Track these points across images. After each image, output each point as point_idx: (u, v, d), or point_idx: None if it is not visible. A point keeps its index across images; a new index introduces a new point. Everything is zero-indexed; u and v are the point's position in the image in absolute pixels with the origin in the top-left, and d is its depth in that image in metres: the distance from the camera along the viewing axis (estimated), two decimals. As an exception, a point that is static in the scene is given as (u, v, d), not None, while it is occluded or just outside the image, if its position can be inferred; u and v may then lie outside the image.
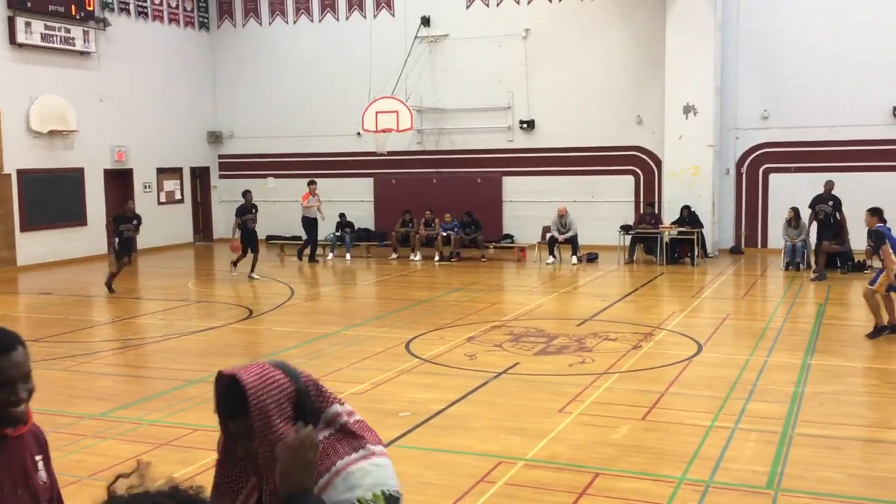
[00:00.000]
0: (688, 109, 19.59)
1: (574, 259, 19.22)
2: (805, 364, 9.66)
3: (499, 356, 10.31)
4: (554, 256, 19.54)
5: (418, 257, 20.35)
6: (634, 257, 19.44)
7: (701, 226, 19.12)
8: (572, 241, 19.47)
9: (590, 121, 21.44)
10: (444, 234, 20.37)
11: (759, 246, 20.51)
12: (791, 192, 19.43)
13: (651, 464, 6.67)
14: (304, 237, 21.00)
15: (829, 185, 17.00)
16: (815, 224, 16.96)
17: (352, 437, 2.04)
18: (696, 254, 18.80)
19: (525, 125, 22.15)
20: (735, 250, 20.50)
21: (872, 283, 10.84)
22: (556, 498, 5.99)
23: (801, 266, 17.53)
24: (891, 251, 10.49)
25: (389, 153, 22.00)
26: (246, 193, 18.01)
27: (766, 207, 20.37)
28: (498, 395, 8.71)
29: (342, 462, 1.96)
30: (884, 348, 10.28)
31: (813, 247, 17.51)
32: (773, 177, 20.27)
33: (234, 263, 17.61)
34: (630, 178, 21.45)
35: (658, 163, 20.85)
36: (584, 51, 21.35)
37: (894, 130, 19.00)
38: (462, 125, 22.75)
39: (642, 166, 21.34)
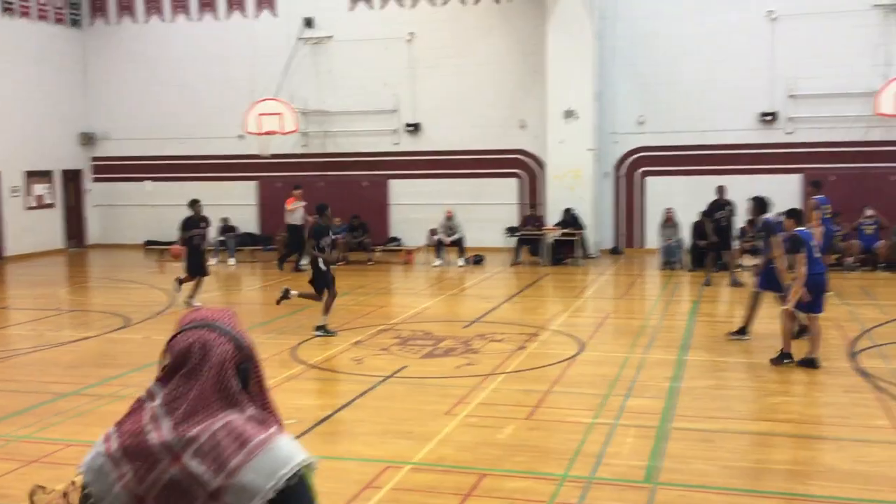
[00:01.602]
0: (569, 114, 20.07)
1: (461, 261, 19.39)
2: (680, 360, 10.05)
3: (386, 360, 10.28)
4: (441, 259, 19.67)
5: (305, 261, 20.04)
6: (520, 259, 19.77)
7: (583, 227, 19.64)
8: (459, 244, 19.64)
9: (475, 124, 21.68)
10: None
11: (637, 246, 21.24)
12: (666, 194, 20.21)
13: (535, 462, 6.78)
14: (287, 244, 19.72)
15: (723, 190, 16.90)
16: (694, 228, 17.45)
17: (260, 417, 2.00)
18: (578, 255, 19.30)
19: (411, 128, 22.21)
20: (615, 251, 21.15)
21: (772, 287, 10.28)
22: (442, 500, 6.01)
23: (677, 265, 18.23)
24: (802, 259, 9.40)
25: (273, 156, 21.65)
26: (194, 204, 14.69)
27: (644, 209, 21.11)
28: (385, 399, 8.69)
29: (261, 436, 1.91)
30: (753, 344, 10.79)
31: (689, 247, 18.25)
32: (649, 179, 21.02)
33: (180, 281, 14.45)
34: (515, 181, 21.82)
35: (541, 166, 21.28)
36: (468, 55, 21.58)
37: (762, 135, 20.02)
38: (348, 128, 22.61)
39: (526, 169, 21.74)
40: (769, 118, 19.85)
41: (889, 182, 19.10)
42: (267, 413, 1.99)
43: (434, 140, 22.12)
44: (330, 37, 22.44)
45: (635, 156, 21.08)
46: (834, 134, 19.43)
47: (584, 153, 20.15)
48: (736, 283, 15.43)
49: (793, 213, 10.02)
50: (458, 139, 21.83)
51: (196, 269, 14.30)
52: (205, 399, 1.91)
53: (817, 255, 9.68)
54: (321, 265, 11.95)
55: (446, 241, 19.76)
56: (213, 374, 1.92)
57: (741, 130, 20.07)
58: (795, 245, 9.46)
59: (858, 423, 7.66)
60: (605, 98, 20.79)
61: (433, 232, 20.41)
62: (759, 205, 11.62)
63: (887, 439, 7.18)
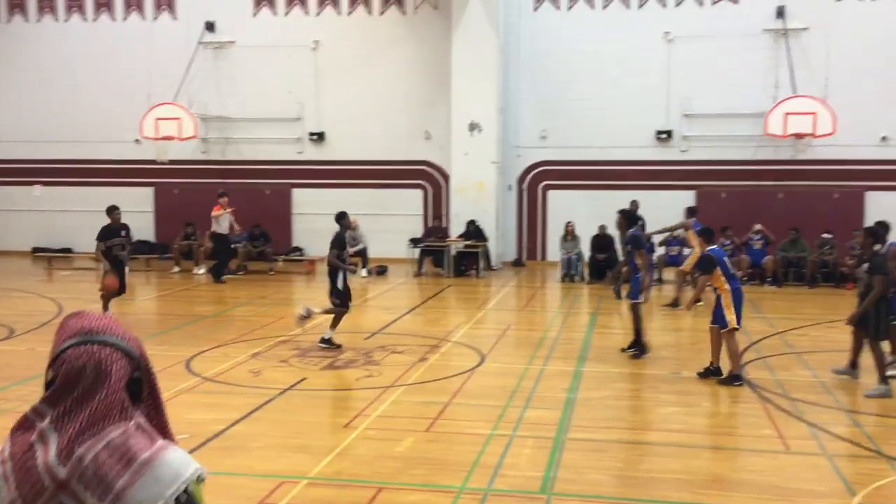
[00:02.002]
0: (473, 127, 20.26)
1: (363, 272, 19.26)
2: (578, 371, 10.22)
3: (285, 372, 10.10)
4: (343, 269, 19.46)
5: (202, 270, 19.58)
6: (423, 270, 19.80)
7: (486, 239, 19.82)
8: (362, 254, 19.51)
9: (380, 135, 21.64)
10: (232, 246, 19.74)
11: (539, 259, 21.56)
12: (567, 207, 20.61)
13: (433, 475, 6.76)
14: (213, 254, 18.91)
15: (635, 205, 16.61)
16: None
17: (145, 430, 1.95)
18: (481, 266, 19.45)
19: (315, 137, 22.00)
20: (517, 263, 21.42)
21: (718, 320, 9.75)
22: (337, 515, 5.91)
23: (576, 278, 18.59)
24: (719, 277, 9.60)
25: (171, 162, 21.07)
26: (112, 210, 13.28)
27: (546, 222, 21.46)
28: (283, 412, 8.52)
29: (146, 454, 1.84)
30: (647, 355, 11.05)
31: (588, 260, 18.66)
32: (551, 193, 21.39)
33: (106, 306, 12.92)
34: (419, 192, 21.85)
35: (446, 178, 21.39)
36: (374, 65, 21.54)
37: (658, 152, 20.65)
38: (250, 135, 22.23)
39: (431, 181, 21.81)
40: (665, 136, 20.50)
41: (776, 200, 19.98)
42: (158, 424, 1.94)
43: (338, 149, 21.97)
44: (232, 42, 22.04)
45: (538, 169, 21.43)
46: (726, 152, 20.22)
47: (487, 166, 20.36)
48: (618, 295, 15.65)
49: (703, 233, 10.29)
50: (363, 149, 21.74)
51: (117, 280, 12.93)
52: (95, 418, 1.83)
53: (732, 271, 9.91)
54: (342, 277, 11.67)
55: (350, 252, 19.56)
56: (106, 394, 1.85)
57: (639, 147, 20.65)
58: (709, 264, 9.61)
59: (746, 432, 7.94)
60: (509, 112, 21.08)
61: (336, 242, 20.17)
62: (626, 218, 11.74)
63: (773, 448, 7.46)
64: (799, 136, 18.73)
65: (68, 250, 21.67)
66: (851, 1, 19.49)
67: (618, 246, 16.56)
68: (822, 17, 19.51)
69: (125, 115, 21.52)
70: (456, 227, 20.32)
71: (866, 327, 9.36)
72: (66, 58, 22.65)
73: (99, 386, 1.84)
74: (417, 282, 18.94)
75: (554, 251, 20.44)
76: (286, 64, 21.81)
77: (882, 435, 7.87)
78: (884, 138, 19.49)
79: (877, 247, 9.74)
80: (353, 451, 7.28)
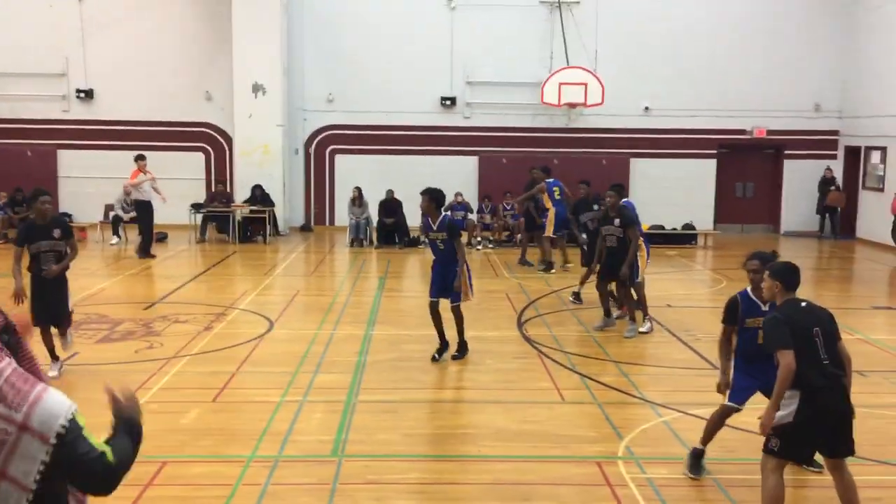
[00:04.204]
0: (257, 88, 19.66)
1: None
2: (367, 335, 10.31)
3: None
4: (119, 236, 18.39)
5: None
6: (206, 236, 19.08)
7: (272, 204, 19.40)
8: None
9: (156, 94, 20.48)
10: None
11: (327, 223, 21.43)
12: (355, 171, 20.60)
13: (221, 445, 6.59)
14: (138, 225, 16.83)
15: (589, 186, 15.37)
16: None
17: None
18: (268, 232, 19.05)
19: (83, 94, 20.46)
20: (305, 228, 21.17)
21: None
22: (119, 492, 5.60)
23: (365, 242, 18.69)
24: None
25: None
26: (37, 197, 8.42)
27: (333, 187, 21.33)
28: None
29: (34, 393, 2.17)
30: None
31: (377, 224, 18.80)
32: (338, 157, 21.27)
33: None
34: (201, 156, 20.97)
35: (229, 141, 20.66)
36: (147, 19, 20.29)
37: (442, 118, 21.06)
38: (7, 91, 20.29)
39: (213, 143, 20.99)
40: (449, 103, 20.94)
41: (552, 165, 21.01)
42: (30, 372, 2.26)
43: (110, 109, 20.58)
44: (-17, -13, 19.93)
45: (325, 133, 21.21)
46: (505, 120, 21.00)
47: (273, 129, 19.88)
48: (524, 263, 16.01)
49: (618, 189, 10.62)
50: (138, 109, 20.50)
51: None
52: None
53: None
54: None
55: (124, 218, 18.51)
56: None
57: (424, 113, 20.96)
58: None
59: (525, 386, 8.37)
60: (295, 74, 20.64)
61: (110, 207, 19.06)
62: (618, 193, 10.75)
63: (550, 399, 7.92)
64: (571, 105, 19.82)
65: None
66: (619, -22, 20.76)
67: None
68: (593, -7, 20.64)
69: None
70: (241, 192, 19.72)
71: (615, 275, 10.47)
72: None
73: None
74: (200, 248, 18.24)
75: (342, 216, 20.38)
76: (46, 14, 20.03)
77: (645, 382, 8.58)
78: (646, 109, 21.03)
79: (622, 202, 10.73)
80: (133, 426, 6.92)
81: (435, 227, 9.00)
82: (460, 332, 9.18)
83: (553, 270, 15.15)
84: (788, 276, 5.19)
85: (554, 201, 15.23)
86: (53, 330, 8.51)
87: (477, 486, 5.95)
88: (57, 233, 8.49)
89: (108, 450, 2.36)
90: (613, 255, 10.40)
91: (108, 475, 2.37)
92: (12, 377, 2.14)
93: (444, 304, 9.11)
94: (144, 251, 16.61)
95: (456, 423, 7.28)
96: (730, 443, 6.63)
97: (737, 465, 6.35)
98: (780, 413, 4.94)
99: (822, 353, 4.91)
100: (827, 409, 4.90)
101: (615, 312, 11.08)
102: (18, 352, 2.21)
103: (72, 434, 2.18)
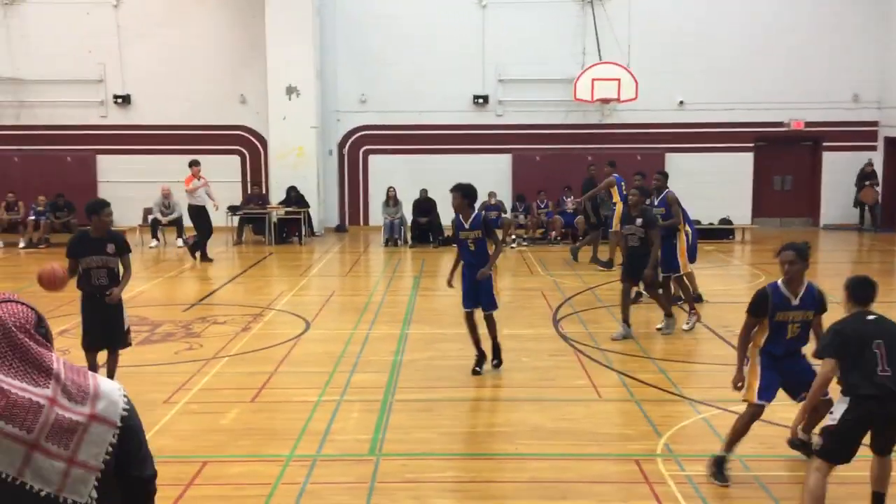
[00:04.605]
0: (290, 91, 19.83)
1: (179, 241, 18.50)
2: (403, 334, 10.35)
3: (96, 349, 9.54)
4: (157, 239, 18.67)
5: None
6: (243, 238, 19.29)
7: (307, 205, 19.54)
8: (177, 223, 18.73)
9: (191, 98, 20.76)
10: (33, 217, 18.41)
11: (361, 224, 21.54)
12: (388, 171, 20.68)
13: (260, 445, 6.66)
14: (195, 230, 16.82)
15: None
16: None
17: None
18: (303, 233, 19.20)
19: (120, 100, 20.79)
20: (340, 228, 21.30)
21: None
22: (161, 492, 5.68)
23: (399, 242, 18.75)
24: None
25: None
26: (99, 209, 7.57)
27: (367, 187, 21.43)
28: (95, 391, 8.05)
29: (91, 385, 2.31)
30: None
31: (411, 224, 18.82)
32: (372, 158, 21.36)
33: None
34: (236, 158, 21.20)
35: (264, 143, 20.86)
36: (183, 25, 20.56)
37: (475, 116, 21.07)
38: (47, 98, 20.68)
39: (248, 146, 21.20)
40: (481, 101, 20.93)
41: (585, 162, 20.90)
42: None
43: (146, 114, 20.89)
44: (23, -3, 20.32)
45: (358, 134, 21.32)
46: (538, 117, 20.93)
47: (307, 130, 20.03)
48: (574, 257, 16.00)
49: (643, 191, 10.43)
50: (174, 113, 20.79)
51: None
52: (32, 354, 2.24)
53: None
54: None
55: (163, 221, 18.78)
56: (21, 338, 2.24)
57: (456, 112, 20.98)
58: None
59: (561, 384, 8.34)
60: (328, 76, 20.78)
61: (148, 211, 19.35)
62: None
63: (587, 397, 7.89)
64: (605, 101, 19.70)
65: None
66: (651, -28, 20.59)
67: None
68: (625, -12, 20.50)
69: None
70: (276, 194, 19.90)
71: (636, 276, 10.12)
72: None
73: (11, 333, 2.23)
74: (237, 250, 18.44)
75: (376, 216, 20.47)
76: (85, 21, 20.39)
77: (683, 379, 8.51)
78: (681, 103, 20.84)
79: (647, 202, 10.51)
80: (174, 426, 7.03)
81: (468, 225, 8.30)
82: (494, 336, 8.61)
83: (612, 268, 14.72)
84: (859, 288, 5.19)
85: (621, 196, 15.07)
86: (101, 359, 7.65)
87: (514, 485, 5.95)
88: (111, 248, 7.51)
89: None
90: (635, 255, 10.02)
91: (151, 472, 2.49)
92: (69, 374, 2.29)
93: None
94: (203, 255, 16.51)
95: (492, 422, 7.28)
96: (769, 439, 6.55)
97: (776, 462, 6.27)
98: (829, 415, 5.05)
99: (883, 364, 4.87)
100: (871, 416, 4.90)
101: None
102: (50, 341, 2.33)
103: (131, 414, 2.37)
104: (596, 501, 5.65)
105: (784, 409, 6.04)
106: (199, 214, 16.71)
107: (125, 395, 2.38)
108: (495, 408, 7.59)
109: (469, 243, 8.34)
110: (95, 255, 7.49)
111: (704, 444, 6.65)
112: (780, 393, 5.97)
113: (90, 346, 7.63)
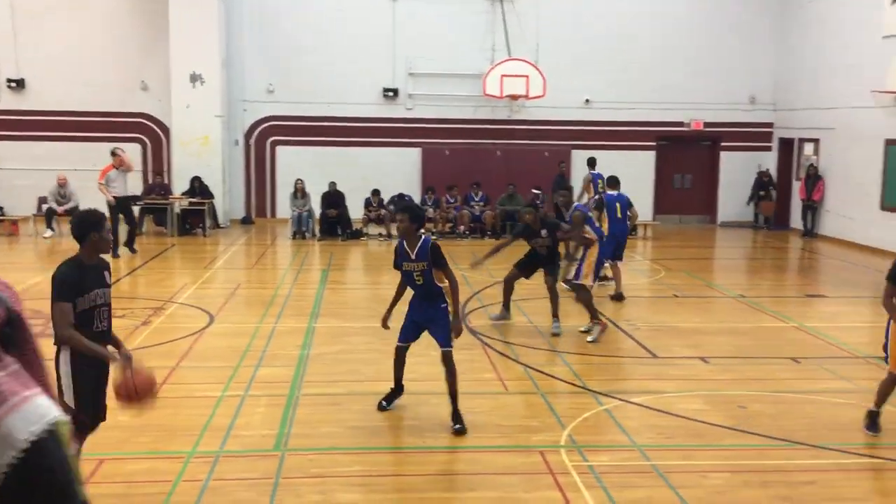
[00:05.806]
0: (195, 78, 19.34)
1: (128, 251, 17.77)
2: (310, 327, 10.24)
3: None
4: (52, 229, 17.94)
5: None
6: (144, 229, 18.72)
7: (212, 196, 19.11)
8: (72, 213, 18.00)
9: (90, 84, 20.01)
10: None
11: (269, 216, 21.20)
12: (296, 164, 20.40)
13: (160, 442, 6.48)
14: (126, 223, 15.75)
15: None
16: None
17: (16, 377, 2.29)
18: (207, 224, 18.76)
19: (14, 84, 19.87)
20: (246, 220, 20.90)
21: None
22: (54, 494, 5.47)
23: (307, 234, 18.53)
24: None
25: None
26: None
27: (275, 178, 21.10)
28: (-16, 388, 7.69)
29: (17, 397, 2.23)
30: (377, 308, 11.27)
31: (319, 216, 18.61)
32: (279, 149, 21.04)
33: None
34: (137, 147, 20.53)
35: (166, 131, 20.29)
36: (80, 8, 19.78)
37: (385, 109, 20.98)
38: (-68, 79, 19.60)
39: (150, 134, 20.58)
40: (391, 94, 20.86)
41: (495, 157, 21.13)
42: (33, 373, 2.28)
43: (43, 99, 20.03)
44: None
45: (266, 124, 20.96)
46: (448, 111, 21.01)
47: (212, 119, 19.58)
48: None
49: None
50: (71, 99, 20.00)
51: None
52: None
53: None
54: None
55: (58, 210, 18.06)
56: None
57: (366, 104, 20.87)
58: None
59: (469, 377, 8.38)
60: (235, 64, 20.35)
61: (43, 200, 18.58)
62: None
63: (494, 390, 7.97)
64: (513, 97, 19.92)
65: None
66: (559, -28, 20.90)
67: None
68: (534, -14, 20.75)
69: None
70: (179, 184, 19.38)
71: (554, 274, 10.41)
72: None
73: None
74: (137, 242, 17.85)
75: (283, 208, 20.18)
76: (-25, 0, 19.40)
77: (586, 372, 8.69)
78: (587, 101, 21.25)
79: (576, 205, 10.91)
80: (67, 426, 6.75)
81: (413, 256, 6.85)
82: (452, 386, 6.94)
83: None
84: None
85: (597, 194, 15.17)
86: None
87: (421, 478, 5.96)
88: (109, 277, 5.56)
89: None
90: (537, 255, 10.43)
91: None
92: (4, 381, 2.22)
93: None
94: (128, 246, 15.91)
95: (400, 415, 7.28)
96: (668, 430, 6.76)
97: (674, 451, 6.47)
98: None
99: None
100: None
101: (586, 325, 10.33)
102: (24, 347, 2.17)
103: (45, 445, 2.18)
104: (501, 493, 5.71)
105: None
106: (123, 204, 15.84)
107: (52, 426, 2.20)
108: (403, 401, 7.57)
109: (415, 276, 6.92)
110: (98, 287, 5.42)
111: (607, 434, 6.81)
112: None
113: (93, 419, 5.52)
